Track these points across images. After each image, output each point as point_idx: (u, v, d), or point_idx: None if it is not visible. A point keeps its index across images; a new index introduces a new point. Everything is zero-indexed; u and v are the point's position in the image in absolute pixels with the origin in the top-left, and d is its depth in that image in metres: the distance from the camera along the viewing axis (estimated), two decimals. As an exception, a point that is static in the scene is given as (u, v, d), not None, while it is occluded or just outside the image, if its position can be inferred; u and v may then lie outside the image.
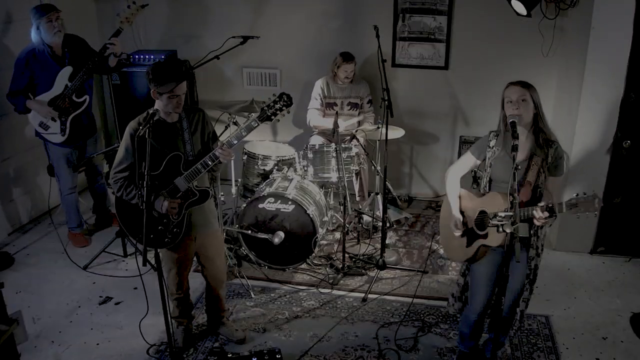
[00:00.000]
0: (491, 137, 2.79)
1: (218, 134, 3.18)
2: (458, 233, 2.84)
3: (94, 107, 4.49)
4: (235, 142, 2.90)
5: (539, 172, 2.65)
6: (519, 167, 2.54)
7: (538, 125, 2.67)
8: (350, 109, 4.80)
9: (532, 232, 2.71)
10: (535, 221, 2.51)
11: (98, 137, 4.48)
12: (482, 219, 2.76)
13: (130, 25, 4.06)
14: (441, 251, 4.39)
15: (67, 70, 3.98)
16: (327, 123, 4.65)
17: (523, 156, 2.68)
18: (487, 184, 2.82)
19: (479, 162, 2.87)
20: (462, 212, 2.85)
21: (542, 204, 2.48)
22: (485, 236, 2.75)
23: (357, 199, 4.85)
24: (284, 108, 2.89)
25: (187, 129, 2.94)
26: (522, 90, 2.61)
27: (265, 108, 2.90)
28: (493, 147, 2.77)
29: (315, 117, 4.78)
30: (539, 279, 4.02)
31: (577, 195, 2.39)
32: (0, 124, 4.48)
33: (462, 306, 3.09)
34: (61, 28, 3.93)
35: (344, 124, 4.59)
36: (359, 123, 4.83)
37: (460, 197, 2.87)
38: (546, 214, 2.45)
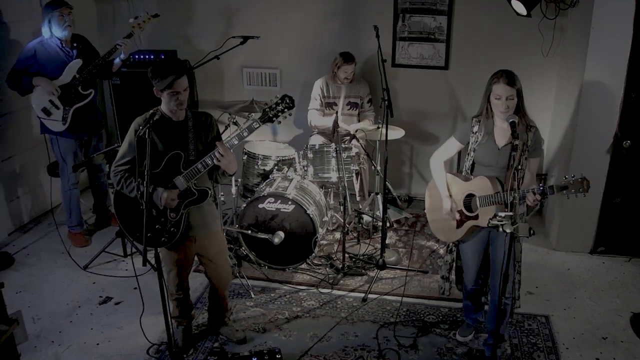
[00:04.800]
0: (474, 122, 2.96)
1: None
2: (453, 216, 3.00)
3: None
4: (236, 142, 2.91)
5: (520, 155, 2.79)
6: (501, 149, 2.80)
7: (519, 112, 2.82)
8: (350, 109, 4.80)
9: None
10: (527, 202, 2.69)
11: (103, 135, 4.51)
12: (470, 201, 2.93)
13: (141, 31, 4.21)
14: (441, 251, 4.39)
15: (77, 63, 4.06)
16: (329, 122, 4.65)
17: (505, 141, 2.87)
18: (470, 167, 3.00)
19: (462, 146, 3.04)
20: (450, 196, 3.03)
21: (534, 187, 2.67)
22: (476, 217, 2.91)
23: (358, 198, 4.85)
24: (285, 110, 2.90)
25: (192, 129, 2.94)
26: (510, 90, 2.75)
27: (267, 109, 2.90)
28: (476, 132, 2.93)
29: (316, 117, 4.78)
30: (538, 279, 4.04)
31: (566, 177, 2.58)
32: (1, 123, 4.49)
33: (450, 286, 3.35)
34: (71, 23, 4.04)
35: (349, 127, 4.61)
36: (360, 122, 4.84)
37: (447, 182, 3.06)
38: (539, 196, 2.65)
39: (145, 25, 4.20)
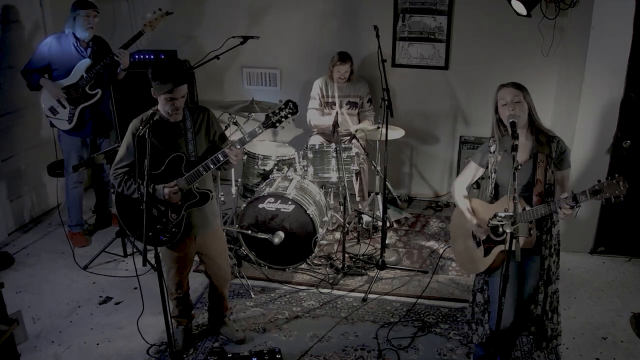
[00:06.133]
0: (490, 142, 2.80)
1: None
2: (484, 235, 2.76)
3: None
4: (239, 147, 2.90)
5: (546, 169, 2.65)
6: (520, 167, 2.53)
7: (534, 125, 2.69)
8: (349, 109, 4.80)
9: (545, 229, 2.71)
10: (560, 214, 2.48)
11: (112, 136, 4.52)
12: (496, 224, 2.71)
13: (153, 30, 4.15)
14: (440, 251, 4.38)
15: (86, 62, 4.08)
16: (328, 121, 4.66)
17: (526, 156, 2.69)
18: (493, 190, 2.81)
19: (482, 169, 2.87)
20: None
21: (564, 196, 2.46)
22: (503, 241, 2.67)
23: (357, 199, 4.85)
24: (289, 115, 2.89)
25: (190, 128, 2.94)
26: (515, 92, 2.63)
27: (271, 115, 2.89)
28: (494, 152, 2.77)
29: (315, 117, 4.78)
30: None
31: (600, 181, 2.38)
32: (2, 122, 4.48)
33: (484, 333, 2.91)
34: (94, 26, 4.07)
35: (350, 127, 4.61)
36: (359, 122, 4.84)
37: (472, 208, 2.84)
38: (568, 205, 2.42)
39: (157, 24, 4.12)
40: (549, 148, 2.67)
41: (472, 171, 2.90)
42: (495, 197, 2.81)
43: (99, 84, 4.17)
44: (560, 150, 2.69)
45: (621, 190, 2.32)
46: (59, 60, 4.05)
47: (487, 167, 2.83)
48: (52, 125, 4.21)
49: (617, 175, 2.35)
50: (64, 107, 4.10)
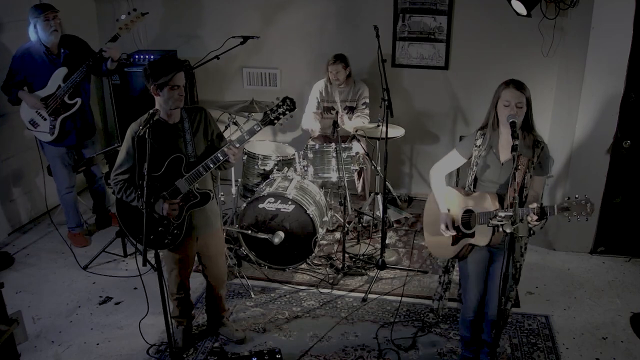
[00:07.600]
0: (478, 135, 2.81)
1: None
2: (449, 234, 2.86)
3: (93, 107, 4.49)
4: (238, 145, 2.90)
5: (525, 172, 2.67)
6: (504, 164, 2.60)
7: (527, 125, 2.69)
8: (347, 113, 4.78)
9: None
10: (528, 219, 2.49)
11: (97, 140, 4.46)
12: (469, 218, 2.79)
13: (129, 32, 4.04)
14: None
15: (62, 71, 3.98)
16: (316, 126, 4.70)
17: (510, 155, 2.67)
18: (472, 183, 2.84)
19: (464, 160, 2.89)
20: (448, 211, 2.89)
21: (533, 206, 2.49)
22: (472, 235, 2.78)
23: (359, 192, 4.83)
24: (287, 112, 2.89)
25: (188, 129, 2.93)
26: (520, 96, 2.62)
27: (269, 112, 2.89)
28: (479, 145, 2.79)
29: (308, 121, 4.77)
30: (538, 279, 4.04)
31: (569, 198, 2.41)
32: (0, 124, 4.48)
33: (444, 305, 3.21)
34: (58, 28, 3.93)
35: (347, 125, 4.60)
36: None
37: (446, 196, 2.91)
38: (535, 216, 2.47)
39: (133, 26, 3.99)
40: (532, 152, 2.69)
41: (453, 160, 2.93)
42: (474, 188, 2.84)
43: (78, 93, 4.07)
44: (544, 157, 2.71)
45: (588, 212, 2.37)
46: (33, 73, 3.95)
47: (470, 158, 2.86)
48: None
49: (586, 195, 2.40)
50: (44, 119, 4.02)
